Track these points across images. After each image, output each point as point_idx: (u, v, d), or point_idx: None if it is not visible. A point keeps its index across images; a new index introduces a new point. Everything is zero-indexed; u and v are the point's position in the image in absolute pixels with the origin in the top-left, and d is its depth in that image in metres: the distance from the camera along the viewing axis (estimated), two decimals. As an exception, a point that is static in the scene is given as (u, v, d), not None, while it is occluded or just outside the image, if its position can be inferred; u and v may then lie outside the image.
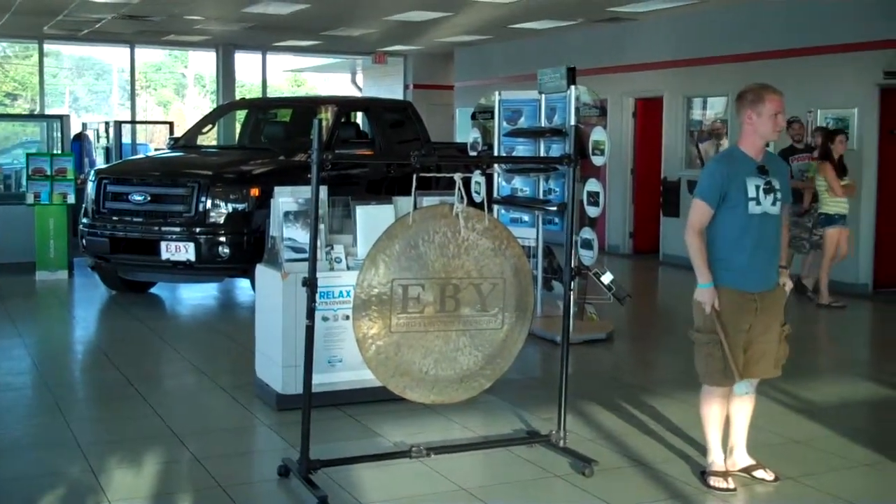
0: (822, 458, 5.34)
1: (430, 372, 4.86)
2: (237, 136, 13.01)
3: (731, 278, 4.65)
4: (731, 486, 4.74)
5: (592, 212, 8.14)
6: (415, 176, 4.74)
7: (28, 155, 11.70)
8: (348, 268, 5.98)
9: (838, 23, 11.35)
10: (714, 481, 4.77)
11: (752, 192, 4.60)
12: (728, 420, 4.92)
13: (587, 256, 8.05)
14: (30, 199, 11.22)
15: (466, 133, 10.81)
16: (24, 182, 11.67)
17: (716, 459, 4.87)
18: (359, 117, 12.86)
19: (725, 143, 12.85)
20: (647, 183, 14.28)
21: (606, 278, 7.96)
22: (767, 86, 4.70)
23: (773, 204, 4.64)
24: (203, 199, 9.18)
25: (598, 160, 8.15)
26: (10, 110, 27.89)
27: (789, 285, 4.85)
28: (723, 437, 4.90)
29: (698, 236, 4.66)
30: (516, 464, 5.10)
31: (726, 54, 12.72)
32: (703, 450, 5.03)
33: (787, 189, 4.77)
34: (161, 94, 34.86)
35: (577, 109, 8.22)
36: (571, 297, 5.80)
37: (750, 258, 4.64)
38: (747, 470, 4.90)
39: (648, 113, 14.47)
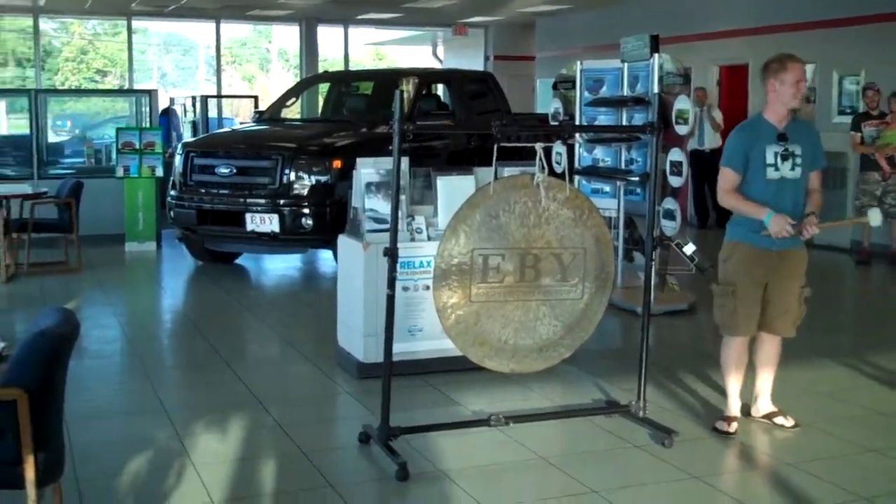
0: (910, 432, 5.23)
1: (509, 341, 4.86)
2: (320, 109, 13.12)
3: (752, 236, 4.89)
4: (732, 430, 5.03)
5: (675, 182, 8.03)
6: (496, 146, 4.73)
7: (118, 129, 11.95)
8: (429, 238, 6.01)
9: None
10: (718, 424, 5.10)
11: (769, 159, 4.86)
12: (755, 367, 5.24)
13: (669, 227, 7.96)
14: (119, 172, 11.48)
15: (547, 104, 10.73)
16: (114, 156, 11.92)
17: (730, 406, 5.17)
18: (440, 89, 12.86)
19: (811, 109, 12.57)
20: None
21: (689, 249, 7.87)
22: (791, 55, 4.97)
23: (792, 169, 4.88)
24: (287, 171, 9.29)
25: (681, 129, 8.04)
26: (100, 86, 28.47)
27: (810, 230, 4.84)
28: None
29: (732, 194, 4.91)
30: (595, 433, 5.10)
31: (815, 20, 12.41)
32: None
33: (815, 155, 4.99)
34: (246, 69, 35.25)
35: (660, 78, 8.11)
36: (653, 267, 5.75)
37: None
38: (769, 416, 5.18)
39: (733, 81, 14.19)
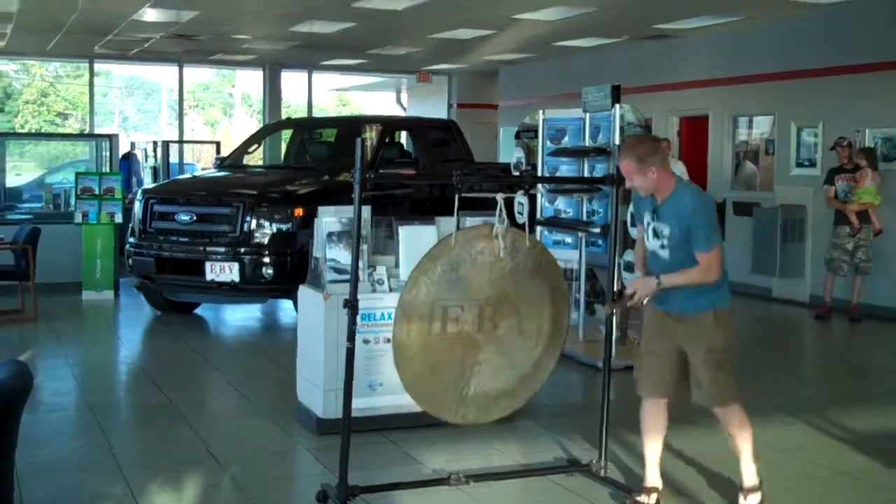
0: (872, 492, 5.22)
1: (464, 392, 4.82)
2: (283, 155, 13.09)
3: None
4: (651, 502, 4.78)
5: (636, 233, 8.04)
6: (457, 196, 4.71)
7: (77, 174, 11.82)
8: (390, 289, 5.95)
9: (887, 40, 11.17)
10: (638, 497, 4.81)
11: (645, 226, 4.75)
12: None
13: (630, 279, 7.96)
14: (78, 218, 11.32)
15: (510, 153, 10.77)
16: (72, 201, 11.78)
17: (647, 476, 4.90)
18: (403, 136, 12.88)
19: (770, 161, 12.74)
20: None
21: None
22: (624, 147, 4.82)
23: (662, 248, 4.63)
24: (248, 219, 9.22)
25: (642, 181, 8.06)
26: (61, 130, 28.29)
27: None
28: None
29: (637, 243, 4.94)
30: (556, 493, 5.05)
31: (773, 72, 12.59)
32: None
33: (691, 237, 4.50)
34: (209, 114, 35.26)
35: (621, 128, 8.16)
36: (614, 321, 5.74)
37: None
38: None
39: (694, 131, 14.34)
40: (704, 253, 4.49)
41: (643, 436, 4.92)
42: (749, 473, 4.74)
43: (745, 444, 4.73)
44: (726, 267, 4.66)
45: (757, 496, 4.71)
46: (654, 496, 4.83)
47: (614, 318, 5.78)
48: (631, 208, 4.85)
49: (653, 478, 4.90)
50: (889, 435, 6.36)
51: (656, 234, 4.63)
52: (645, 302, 4.74)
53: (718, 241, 4.58)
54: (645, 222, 4.73)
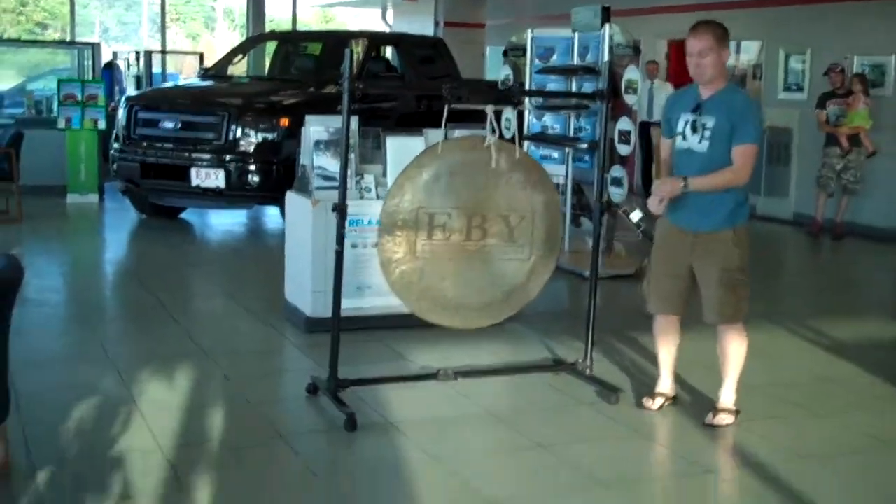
0: (852, 397, 5.34)
1: (452, 298, 4.88)
2: (267, 68, 12.99)
3: (669, 210, 4.65)
4: (653, 406, 4.86)
5: (623, 150, 8.09)
6: (446, 107, 4.71)
7: (60, 81, 11.71)
8: (378, 197, 5.97)
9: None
10: (644, 400, 4.93)
11: (680, 127, 4.63)
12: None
13: (617, 194, 8.03)
14: (61, 123, 11.24)
15: (496, 72, 10.73)
16: (55, 107, 11.69)
17: (658, 381, 4.97)
18: (389, 53, 12.79)
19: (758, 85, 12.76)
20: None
21: (635, 216, 7.92)
22: (693, 25, 4.66)
23: (700, 142, 4.53)
24: (233, 127, 9.22)
25: (630, 99, 8.10)
26: (40, 38, 27.81)
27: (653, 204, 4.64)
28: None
29: (662, 158, 4.86)
30: (543, 390, 5.16)
31: (762, -2, 12.56)
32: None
33: (736, 129, 4.46)
34: (190, 27, 34.78)
35: (610, 49, 8.14)
36: (601, 232, 5.80)
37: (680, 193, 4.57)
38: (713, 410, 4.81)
39: (682, 56, 14.26)
40: (746, 145, 4.46)
41: (657, 346, 4.96)
42: (728, 395, 4.74)
43: (734, 368, 4.72)
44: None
45: (729, 418, 4.70)
46: (659, 400, 4.89)
47: (602, 229, 5.83)
48: (663, 116, 4.80)
49: (664, 385, 4.95)
50: (870, 343, 6.48)
51: (694, 130, 4.54)
52: (661, 211, 4.64)
53: (759, 142, 4.59)
54: (682, 122, 4.62)
